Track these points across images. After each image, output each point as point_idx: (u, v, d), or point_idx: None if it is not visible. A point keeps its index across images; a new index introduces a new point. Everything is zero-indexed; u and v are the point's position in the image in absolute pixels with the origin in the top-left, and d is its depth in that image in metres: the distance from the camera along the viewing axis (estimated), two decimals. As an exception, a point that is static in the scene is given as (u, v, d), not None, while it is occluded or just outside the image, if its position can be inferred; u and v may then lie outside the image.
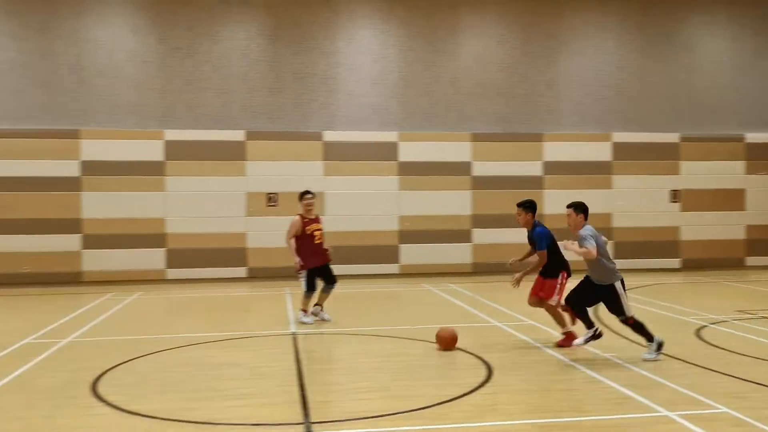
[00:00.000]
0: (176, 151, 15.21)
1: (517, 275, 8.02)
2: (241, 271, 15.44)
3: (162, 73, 15.37)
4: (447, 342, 7.76)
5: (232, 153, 15.41)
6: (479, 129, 16.46)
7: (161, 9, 15.41)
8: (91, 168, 14.88)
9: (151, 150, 15.13)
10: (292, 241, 9.64)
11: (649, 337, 7.20)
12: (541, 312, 8.26)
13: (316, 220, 9.90)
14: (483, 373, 6.74)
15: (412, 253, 16.09)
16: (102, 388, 6.30)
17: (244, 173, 15.45)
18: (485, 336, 8.07)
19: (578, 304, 7.26)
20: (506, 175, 16.32)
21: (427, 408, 5.59)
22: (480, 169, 16.34)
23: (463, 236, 16.25)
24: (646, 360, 7.09)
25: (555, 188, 16.46)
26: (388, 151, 16.05)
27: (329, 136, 15.86)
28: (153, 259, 15.15)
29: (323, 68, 15.97)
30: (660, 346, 7.17)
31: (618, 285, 7.11)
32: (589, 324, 7.29)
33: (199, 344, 8.36)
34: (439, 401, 5.75)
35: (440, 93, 16.43)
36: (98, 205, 14.90)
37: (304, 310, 9.82)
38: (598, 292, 7.19)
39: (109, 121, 15.10)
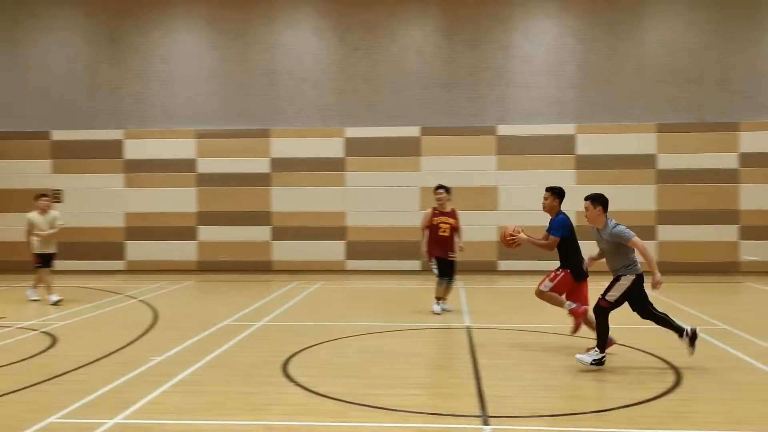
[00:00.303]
0: (355, 147, 15.89)
1: (523, 235, 7.66)
2: (415, 264, 15.78)
3: (343, 73, 16.11)
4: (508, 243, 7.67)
5: (408, 148, 15.79)
6: (666, 119, 15.44)
7: (342, 12, 16.15)
8: (280, 164, 15.99)
9: (333, 147, 15.93)
10: (426, 231, 10.18)
11: (601, 344, 6.60)
12: (737, 317, 7.61)
13: (449, 214, 10.18)
14: (671, 378, 6.35)
15: (589, 251, 15.46)
16: (292, 369, 6.78)
17: (419, 168, 15.77)
18: (671, 339, 7.57)
19: (649, 314, 6.75)
20: (696, 168, 15.19)
21: (612, 410, 5.39)
22: (666, 161, 15.34)
23: (647, 233, 15.33)
24: (578, 360, 6.59)
25: (753, 182, 15.06)
26: (564, 144, 15.57)
27: (503, 129, 15.71)
28: (334, 250, 15.96)
29: (498, 62, 15.84)
30: (601, 362, 6.57)
31: (628, 278, 6.60)
32: (678, 330, 6.76)
33: (378, 333, 8.70)
34: (625, 404, 5.52)
35: (622, 82, 15.63)
36: (285, 199, 15.98)
37: (438, 298, 10.19)
38: (631, 286, 6.65)
39: (296, 121, 16.11)
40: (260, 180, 16.00)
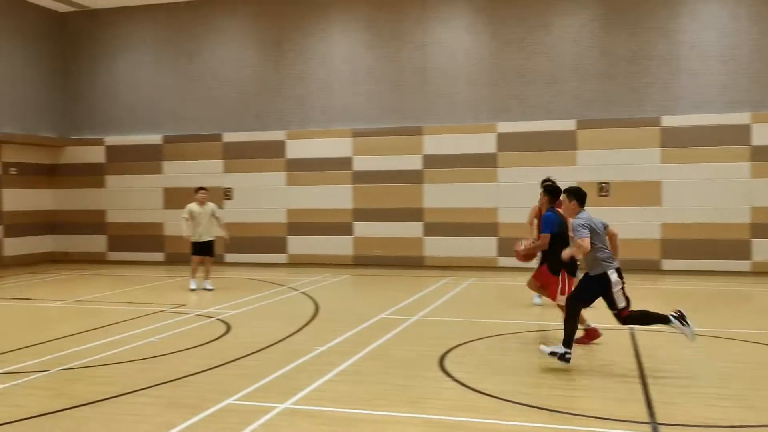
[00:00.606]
0: (507, 142, 15.69)
1: (522, 245, 7.89)
2: (570, 262, 15.32)
3: (494, 68, 15.95)
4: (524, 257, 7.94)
5: (563, 143, 15.34)
6: None
7: (495, 6, 15.98)
8: (431, 161, 16.15)
9: (484, 143, 15.83)
10: (532, 223, 10.36)
11: (663, 319, 6.52)
12: None
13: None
14: None
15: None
16: (448, 364, 6.85)
17: (575, 163, 15.26)
18: None
19: (576, 306, 6.64)
20: None
21: (798, 425, 4.94)
22: None
23: (835, 231, 13.85)
24: (689, 336, 6.50)
25: None
26: (737, 135, 14.38)
27: (668, 120, 14.79)
28: (485, 246, 15.86)
29: (662, 48, 14.93)
30: (683, 317, 6.54)
31: (611, 273, 6.47)
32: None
33: (534, 332, 8.55)
34: (813, 420, 5.04)
35: (807, 64, 14.16)
36: (437, 195, 16.11)
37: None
38: (594, 286, 6.56)
39: (447, 117, 16.19)
40: (413, 177, 16.24)
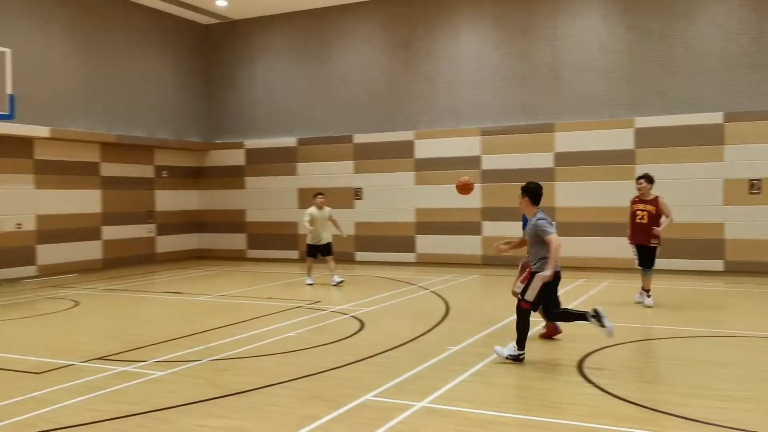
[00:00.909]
0: (646, 138, 14.93)
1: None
2: (713, 264, 14.34)
3: (631, 60, 15.23)
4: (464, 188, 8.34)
5: (708, 137, 14.37)
6: None
7: (631, -4, 15.29)
8: (563, 159, 15.67)
9: (621, 139, 15.15)
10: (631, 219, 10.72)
11: (521, 345, 6.86)
12: None
13: (649, 202, 10.51)
14: None
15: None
16: (588, 369, 6.62)
17: (722, 158, 14.26)
18: None
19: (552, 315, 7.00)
20: None
21: None
22: None
23: None
24: (497, 353, 6.93)
25: None
26: None
27: (831, 110, 13.49)
28: (622, 247, 15.13)
29: (824, 32, 13.63)
30: (518, 358, 6.84)
31: (544, 275, 6.63)
32: (581, 316, 6.85)
33: (681, 338, 8.08)
34: None
35: None
36: (569, 194, 15.61)
37: (645, 290, 10.58)
38: (553, 282, 6.83)
39: (580, 113, 15.65)
40: (544, 175, 15.81)
